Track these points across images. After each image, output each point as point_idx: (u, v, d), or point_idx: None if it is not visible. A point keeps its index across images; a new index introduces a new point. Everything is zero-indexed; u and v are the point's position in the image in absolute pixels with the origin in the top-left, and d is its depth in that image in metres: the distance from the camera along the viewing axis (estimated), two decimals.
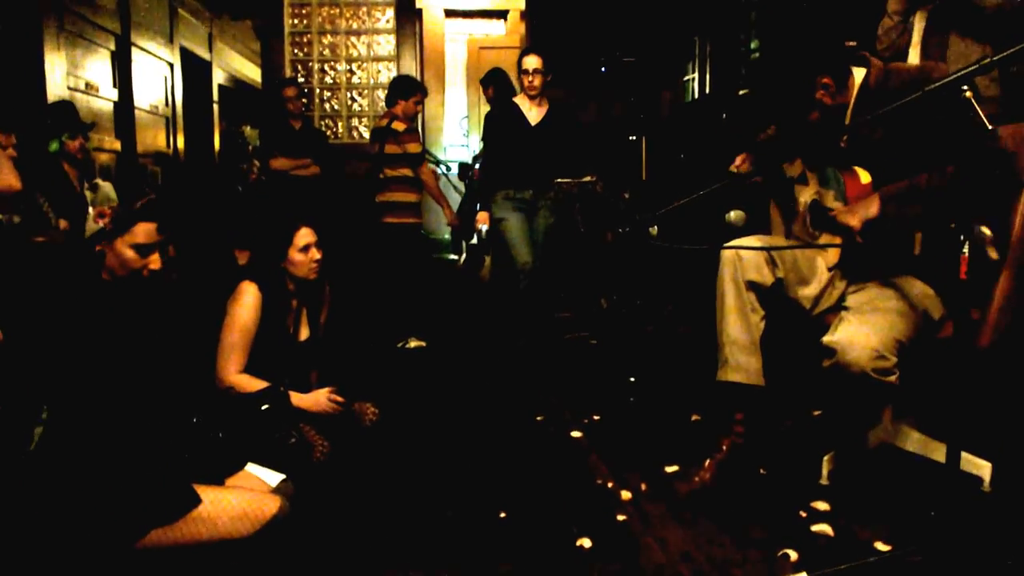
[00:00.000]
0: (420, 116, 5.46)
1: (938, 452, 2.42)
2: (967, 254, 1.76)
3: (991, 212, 2.06)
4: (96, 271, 1.96)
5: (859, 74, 2.33)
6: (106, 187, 1.99)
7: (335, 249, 2.81)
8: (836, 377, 2.14)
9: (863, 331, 2.11)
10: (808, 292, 2.49)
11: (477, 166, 5.90)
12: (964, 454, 2.30)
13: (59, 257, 2.00)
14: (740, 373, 2.47)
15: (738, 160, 2.79)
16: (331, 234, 2.72)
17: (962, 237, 1.81)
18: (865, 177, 2.29)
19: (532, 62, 4.28)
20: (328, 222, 2.73)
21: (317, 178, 5.59)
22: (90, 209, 1.94)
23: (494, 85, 5.45)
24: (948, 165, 2.08)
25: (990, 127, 1.61)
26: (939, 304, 2.28)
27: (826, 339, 2.17)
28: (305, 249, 2.55)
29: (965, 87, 1.61)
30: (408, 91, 4.99)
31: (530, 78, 4.28)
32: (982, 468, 2.37)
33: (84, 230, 1.93)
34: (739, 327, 2.47)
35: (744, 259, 2.45)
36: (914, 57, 3.23)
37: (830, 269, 2.48)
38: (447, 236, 7.39)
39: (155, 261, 1.98)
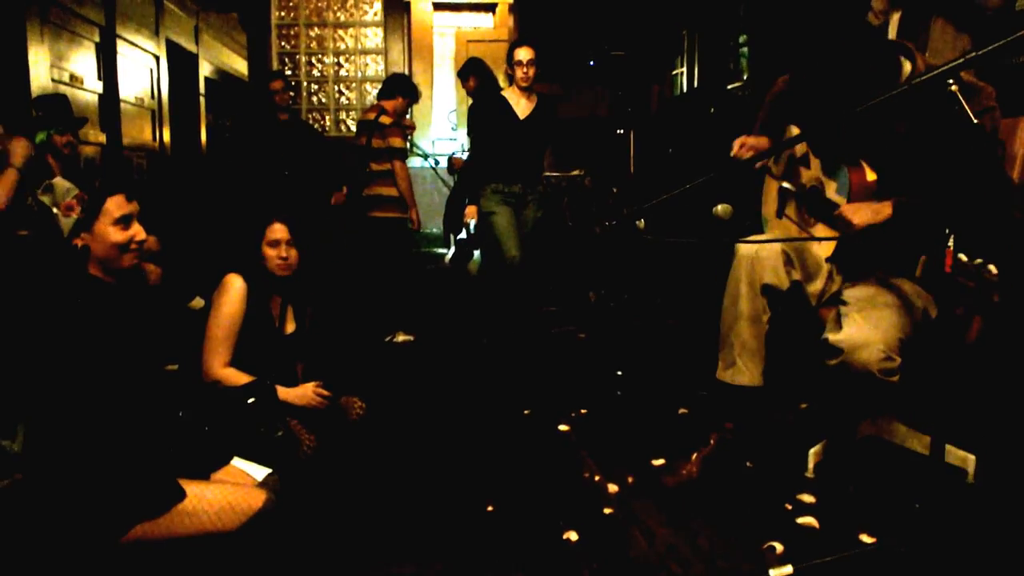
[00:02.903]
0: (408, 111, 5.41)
1: (923, 444, 2.43)
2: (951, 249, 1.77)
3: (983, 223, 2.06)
4: (81, 267, 1.94)
5: (906, 67, 2.24)
6: (61, 183, 1.95)
7: (322, 243, 2.80)
8: (840, 376, 2.12)
9: (870, 331, 2.08)
10: (814, 288, 2.47)
11: (456, 153, 5.86)
12: (948, 446, 2.32)
13: (40, 255, 1.98)
14: (745, 376, 2.46)
15: (736, 145, 2.64)
16: (318, 228, 2.71)
17: (947, 231, 1.81)
18: (871, 174, 2.25)
19: (525, 53, 4.26)
20: (315, 216, 2.72)
21: (303, 172, 5.56)
22: (54, 210, 1.92)
23: (476, 75, 5.34)
24: (959, 175, 2.06)
25: (976, 121, 1.62)
26: (934, 303, 2.27)
27: (832, 338, 2.13)
28: (275, 244, 2.52)
29: (951, 80, 1.61)
30: (407, 91, 5.00)
31: (524, 69, 4.26)
32: (966, 460, 2.38)
33: (60, 230, 1.91)
34: (750, 331, 2.45)
35: (762, 261, 2.42)
36: None
37: (827, 261, 2.47)
38: (435, 230, 7.38)
39: (139, 232, 1.96)
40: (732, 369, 2.48)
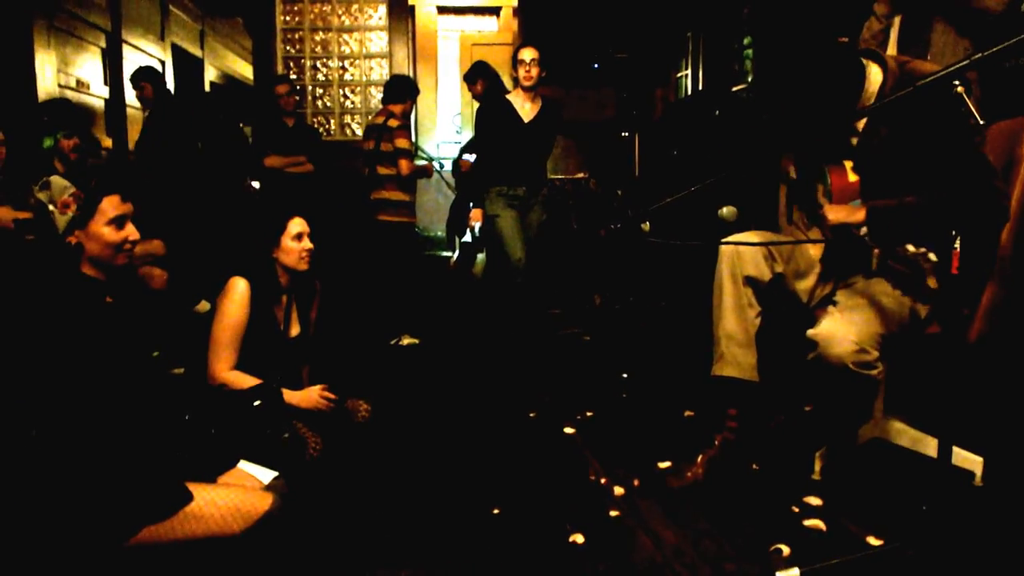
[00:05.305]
0: (413, 113, 5.44)
1: (930, 447, 2.43)
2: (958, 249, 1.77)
3: (976, 223, 2.08)
4: (75, 266, 1.94)
5: (877, 73, 2.23)
6: (58, 181, 1.97)
7: (328, 245, 2.81)
8: (819, 370, 2.15)
9: (845, 325, 2.12)
10: (805, 285, 2.50)
11: (464, 156, 5.86)
12: (956, 449, 2.30)
13: (34, 251, 1.98)
14: (735, 368, 2.47)
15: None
16: (324, 231, 2.72)
17: (953, 233, 1.81)
18: (853, 175, 2.29)
19: (529, 53, 4.29)
20: (321, 219, 2.73)
21: (310, 175, 5.58)
22: (50, 206, 1.93)
23: (482, 79, 5.36)
24: (942, 177, 2.09)
25: (982, 122, 1.61)
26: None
27: (810, 332, 2.18)
28: (298, 237, 2.55)
29: (956, 82, 1.61)
30: (415, 94, 5.06)
31: (527, 68, 4.28)
32: (974, 463, 2.38)
33: (56, 228, 1.91)
34: (735, 322, 2.47)
35: (742, 254, 2.46)
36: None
37: (820, 262, 2.50)
38: (439, 233, 7.39)
39: (133, 233, 1.97)
40: (721, 362, 2.50)
